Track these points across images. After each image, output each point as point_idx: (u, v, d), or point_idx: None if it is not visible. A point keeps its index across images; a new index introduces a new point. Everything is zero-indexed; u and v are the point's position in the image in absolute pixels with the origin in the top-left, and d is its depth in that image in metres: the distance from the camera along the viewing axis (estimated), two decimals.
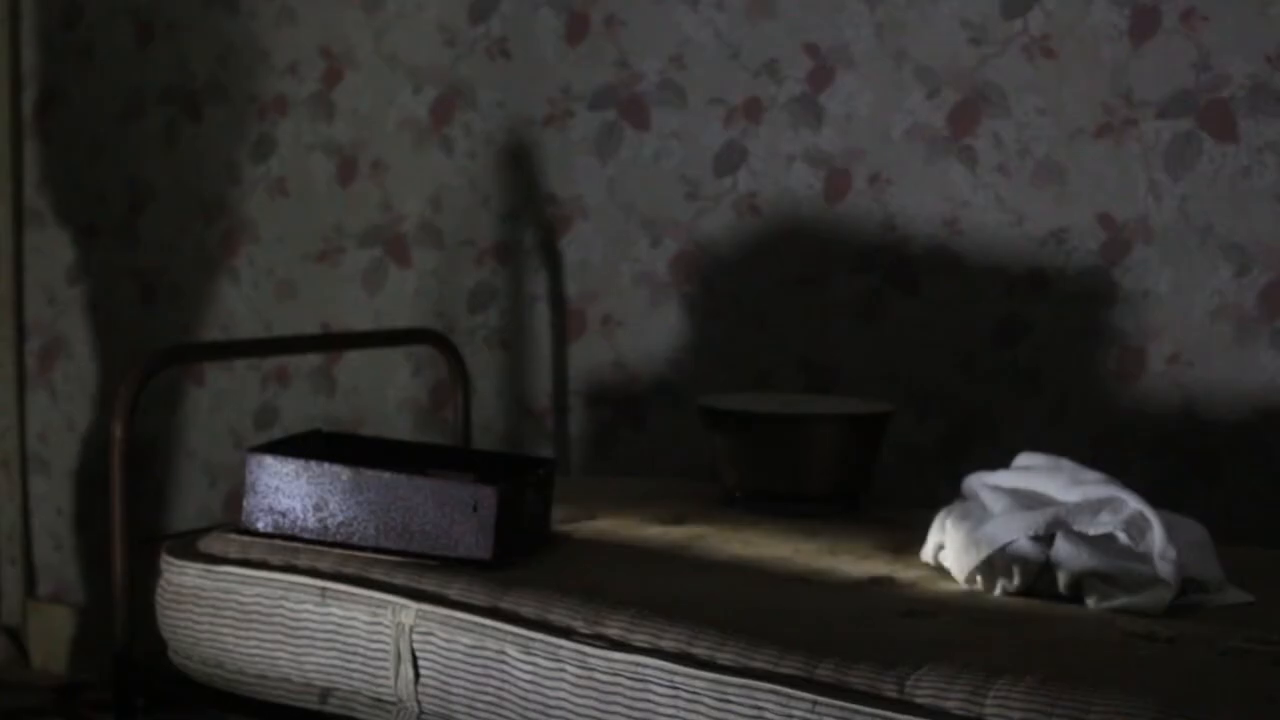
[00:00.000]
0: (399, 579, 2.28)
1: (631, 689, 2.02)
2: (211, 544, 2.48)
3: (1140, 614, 2.09)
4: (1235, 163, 2.81)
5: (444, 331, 3.57)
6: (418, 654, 2.22)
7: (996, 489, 2.35)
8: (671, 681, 1.99)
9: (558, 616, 2.12)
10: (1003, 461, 2.52)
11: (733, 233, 3.29)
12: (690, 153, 3.33)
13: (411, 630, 2.22)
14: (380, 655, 2.25)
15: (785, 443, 2.74)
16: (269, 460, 2.42)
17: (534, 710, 2.10)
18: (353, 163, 3.77)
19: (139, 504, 3.97)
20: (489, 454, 2.66)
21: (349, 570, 2.32)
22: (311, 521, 2.40)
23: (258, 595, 2.37)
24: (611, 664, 2.04)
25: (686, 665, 1.98)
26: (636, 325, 3.41)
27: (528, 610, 2.15)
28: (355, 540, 2.38)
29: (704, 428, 2.88)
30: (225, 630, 2.40)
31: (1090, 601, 2.15)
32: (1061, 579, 2.17)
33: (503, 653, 2.14)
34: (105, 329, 4.19)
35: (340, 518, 2.39)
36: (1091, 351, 2.95)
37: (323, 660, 2.31)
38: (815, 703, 1.88)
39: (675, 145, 3.34)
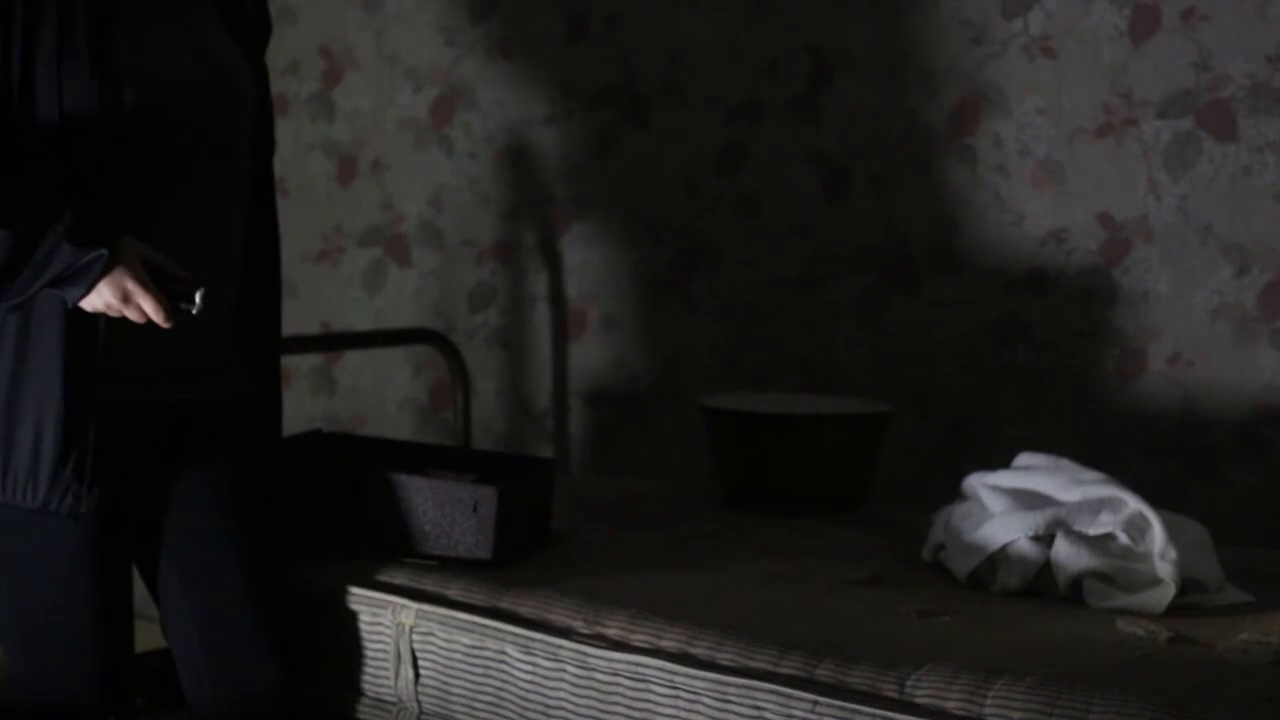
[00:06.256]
0: (399, 579, 2.27)
1: (631, 689, 2.02)
2: None
3: (1140, 614, 2.09)
4: (1235, 163, 2.81)
5: (444, 331, 3.57)
6: (418, 654, 2.22)
7: (996, 489, 2.35)
8: (671, 681, 1.99)
9: (558, 616, 2.12)
10: (1003, 461, 2.52)
11: (733, 233, 3.29)
12: (690, 153, 3.32)
13: (411, 630, 2.22)
14: (380, 655, 2.25)
15: (785, 443, 2.73)
16: None
17: (534, 710, 2.10)
18: (353, 163, 3.77)
19: None
20: (489, 454, 2.66)
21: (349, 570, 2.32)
22: None
23: None
24: (611, 664, 2.04)
25: (686, 665, 1.98)
26: (636, 325, 3.41)
27: (528, 610, 2.15)
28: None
29: (704, 428, 2.87)
30: None
31: (1090, 601, 2.15)
32: (1061, 579, 2.17)
33: (503, 653, 2.14)
34: None
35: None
36: (1091, 351, 2.95)
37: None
38: (815, 703, 1.88)
39: (675, 145, 3.34)
